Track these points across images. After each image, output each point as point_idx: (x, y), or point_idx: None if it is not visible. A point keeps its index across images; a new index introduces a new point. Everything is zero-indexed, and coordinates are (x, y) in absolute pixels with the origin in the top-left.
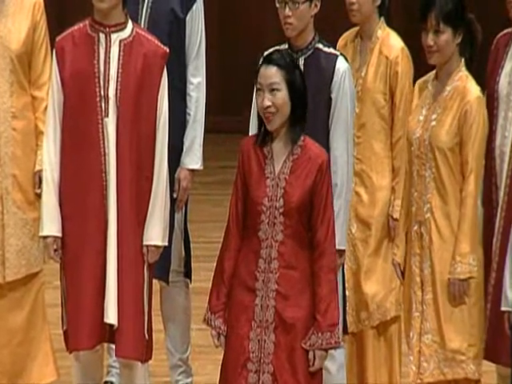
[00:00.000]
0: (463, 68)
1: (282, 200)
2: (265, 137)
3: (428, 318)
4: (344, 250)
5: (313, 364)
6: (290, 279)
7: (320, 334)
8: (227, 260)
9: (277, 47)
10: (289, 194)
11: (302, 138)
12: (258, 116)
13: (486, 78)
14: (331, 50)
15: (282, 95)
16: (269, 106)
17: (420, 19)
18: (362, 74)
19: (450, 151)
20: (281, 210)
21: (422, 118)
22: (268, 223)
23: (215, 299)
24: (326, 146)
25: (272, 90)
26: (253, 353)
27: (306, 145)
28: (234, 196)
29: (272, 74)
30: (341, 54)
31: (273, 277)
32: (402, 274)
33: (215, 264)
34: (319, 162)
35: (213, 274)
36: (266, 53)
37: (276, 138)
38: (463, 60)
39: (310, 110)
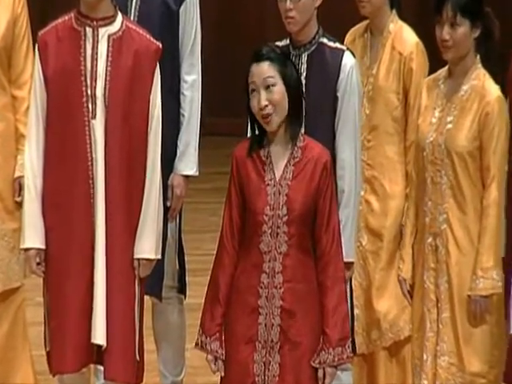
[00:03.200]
0: (479, 65)
1: (285, 208)
2: (261, 140)
3: (445, 339)
4: (352, 263)
5: (323, 383)
6: (295, 294)
7: (331, 350)
8: (222, 278)
9: (282, 42)
10: (292, 201)
11: (301, 138)
12: (251, 119)
13: (507, 84)
14: (337, 45)
15: (279, 90)
16: (266, 106)
17: (434, 11)
18: (373, 72)
19: (470, 156)
20: (284, 219)
21: (434, 120)
22: (271, 234)
23: (209, 321)
24: (332, 149)
25: (267, 87)
26: (258, 376)
27: (307, 145)
28: (227, 208)
29: (265, 70)
30: (347, 48)
31: (277, 292)
32: (409, 291)
33: (208, 282)
34: (323, 161)
35: (205, 292)
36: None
37: (273, 140)
38: (478, 56)
39: (313, 109)
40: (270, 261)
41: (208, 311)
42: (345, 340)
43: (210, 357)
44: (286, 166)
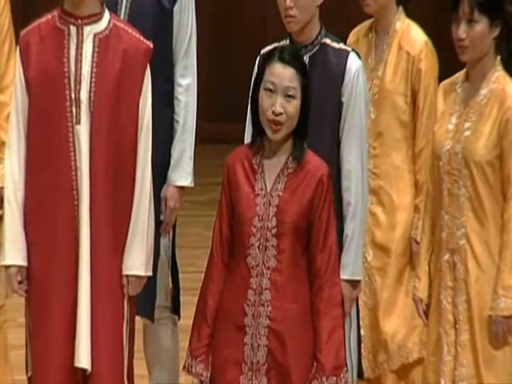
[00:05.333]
0: (499, 67)
1: (274, 220)
2: (260, 144)
3: (464, 363)
4: (359, 281)
5: None
6: (284, 314)
7: (324, 379)
8: (210, 294)
9: (281, 43)
10: (282, 213)
11: None
12: (255, 122)
13: None
14: (341, 46)
15: (296, 104)
16: (281, 113)
17: (451, 8)
18: (379, 74)
19: (489, 166)
20: (273, 231)
21: (451, 126)
22: (258, 247)
23: (196, 341)
24: (336, 158)
25: (287, 96)
26: None
27: (304, 157)
28: (217, 220)
29: (290, 78)
30: (352, 49)
31: (264, 311)
32: (425, 312)
33: (197, 299)
34: (318, 175)
35: (194, 310)
36: (270, 48)
37: (271, 150)
38: (499, 58)
39: (317, 116)
40: (257, 276)
41: (195, 331)
42: (339, 369)
43: (195, 380)
44: (278, 176)
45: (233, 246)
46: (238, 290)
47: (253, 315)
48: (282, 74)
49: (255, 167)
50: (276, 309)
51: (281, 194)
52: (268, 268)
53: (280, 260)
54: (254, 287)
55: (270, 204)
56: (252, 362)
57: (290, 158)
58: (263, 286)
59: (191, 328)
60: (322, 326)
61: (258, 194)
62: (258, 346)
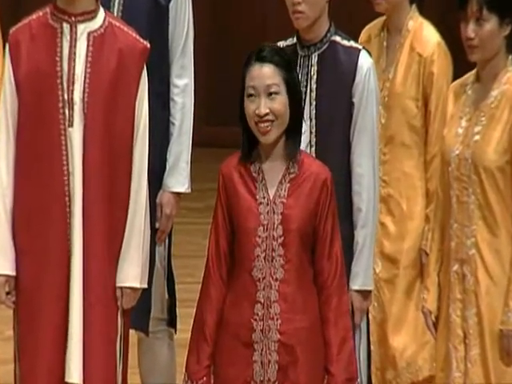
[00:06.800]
0: (511, 67)
1: (280, 228)
2: (251, 154)
3: (474, 379)
4: (370, 291)
5: None
6: (295, 326)
7: None
8: (209, 313)
9: (288, 41)
10: (288, 220)
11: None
12: (244, 129)
13: None
14: (351, 44)
15: (282, 99)
16: (267, 114)
17: (458, 6)
18: (390, 76)
19: (500, 172)
20: (280, 241)
21: (461, 130)
22: (264, 258)
23: (195, 363)
24: (347, 162)
25: (270, 94)
26: None
27: (304, 160)
28: (213, 233)
29: (269, 75)
30: (363, 47)
31: (274, 324)
32: (434, 325)
33: (193, 317)
34: (322, 178)
35: (191, 329)
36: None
37: (267, 155)
38: (510, 58)
39: (326, 117)
40: (264, 289)
41: (193, 352)
42: (352, 381)
43: None
44: (280, 182)
45: (231, 259)
46: (243, 304)
47: (261, 330)
48: (261, 73)
49: (254, 175)
50: (286, 322)
51: (285, 200)
52: (276, 279)
53: (287, 270)
54: (262, 301)
55: (274, 212)
56: (262, 380)
57: (291, 163)
58: (272, 299)
59: (188, 349)
60: (332, 337)
61: (261, 203)
62: (269, 362)
